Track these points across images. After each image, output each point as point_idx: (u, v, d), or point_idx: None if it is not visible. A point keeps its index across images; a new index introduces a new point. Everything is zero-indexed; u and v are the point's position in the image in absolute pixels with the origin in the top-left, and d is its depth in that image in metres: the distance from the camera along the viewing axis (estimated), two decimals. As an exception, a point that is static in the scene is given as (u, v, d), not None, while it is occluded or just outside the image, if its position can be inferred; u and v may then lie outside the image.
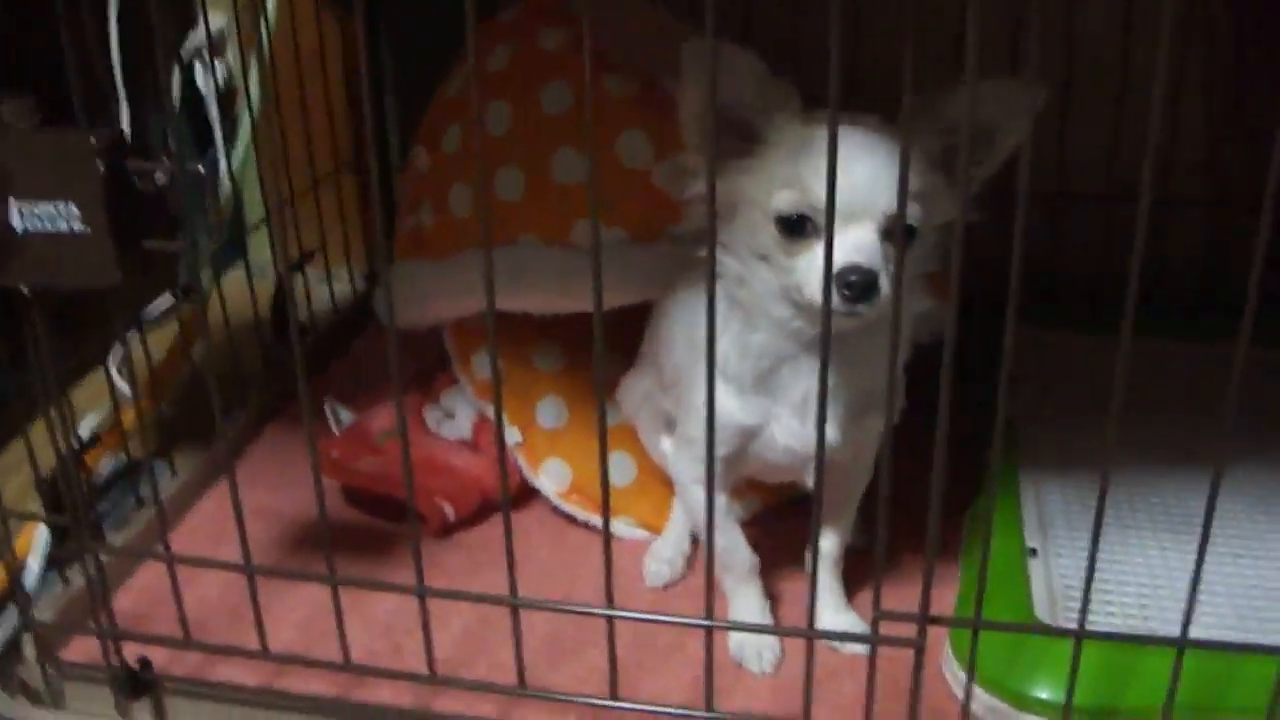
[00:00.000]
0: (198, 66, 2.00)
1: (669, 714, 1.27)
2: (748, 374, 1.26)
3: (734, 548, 1.38)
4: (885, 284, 1.11)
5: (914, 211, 1.12)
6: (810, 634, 1.12)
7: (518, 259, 1.46)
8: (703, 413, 1.16)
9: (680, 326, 1.38)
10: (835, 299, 1.07)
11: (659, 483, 1.62)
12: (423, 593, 1.19)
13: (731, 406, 1.27)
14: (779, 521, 1.59)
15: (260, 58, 1.96)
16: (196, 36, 1.94)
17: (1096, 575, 1.41)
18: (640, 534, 1.61)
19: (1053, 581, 1.42)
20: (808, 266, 1.14)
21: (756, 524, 1.56)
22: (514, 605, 1.17)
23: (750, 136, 1.16)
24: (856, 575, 1.47)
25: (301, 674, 1.34)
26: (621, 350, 1.65)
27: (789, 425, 1.28)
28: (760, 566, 1.41)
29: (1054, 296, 2.01)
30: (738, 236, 1.22)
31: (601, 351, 1.02)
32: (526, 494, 1.65)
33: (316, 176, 2.07)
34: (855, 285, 1.09)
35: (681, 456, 1.38)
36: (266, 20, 1.99)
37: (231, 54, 2.04)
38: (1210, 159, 2.04)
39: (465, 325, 1.65)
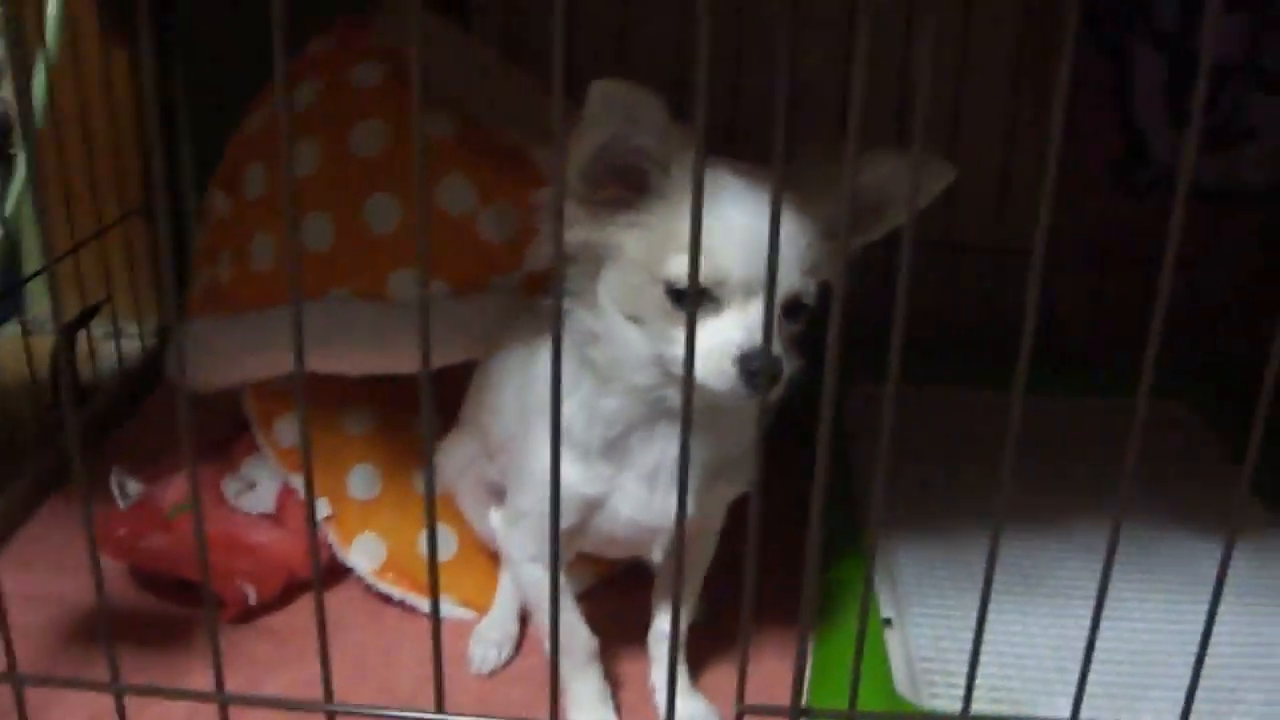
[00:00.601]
0: (-36, 100, 1.81)
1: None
2: (595, 441, 1.16)
3: (572, 629, 1.27)
4: (787, 367, 1.03)
5: (810, 287, 1.06)
6: None
7: (328, 314, 1.34)
8: (537, 483, 1.09)
9: (510, 388, 1.27)
10: (734, 383, 1.01)
11: (482, 557, 1.51)
12: (224, 700, 1.03)
13: (574, 476, 1.16)
14: (612, 594, 1.49)
15: (38, 90, 1.78)
16: (-38, 66, 1.75)
17: (954, 649, 1.36)
18: (463, 613, 1.49)
19: (910, 655, 1.35)
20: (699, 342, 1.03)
21: (588, 598, 1.45)
22: (329, 712, 1.02)
23: (639, 186, 1.06)
24: (699, 655, 1.38)
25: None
26: (440, 411, 1.53)
27: (635, 495, 1.18)
28: (599, 648, 1.30)
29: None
30: (605, 292, 1.11)
31: (431, 414, 0.89)
32: (338, 572, 1.53)
33: (103, 222, 1.90)
34: (761, 374, 0.98)
35: (514, 531, 1.27)
36: (45, 49, 1.81)
37: (5, 87, 1.86)
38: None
39: (267, 387, 1.51)
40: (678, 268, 1.03)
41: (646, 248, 1.06)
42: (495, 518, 1.32)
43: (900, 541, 1.57)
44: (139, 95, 2.01)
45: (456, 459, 1.43)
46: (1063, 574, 1.54)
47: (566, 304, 1.11)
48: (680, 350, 0.99)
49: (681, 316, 1.03)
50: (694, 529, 1.23)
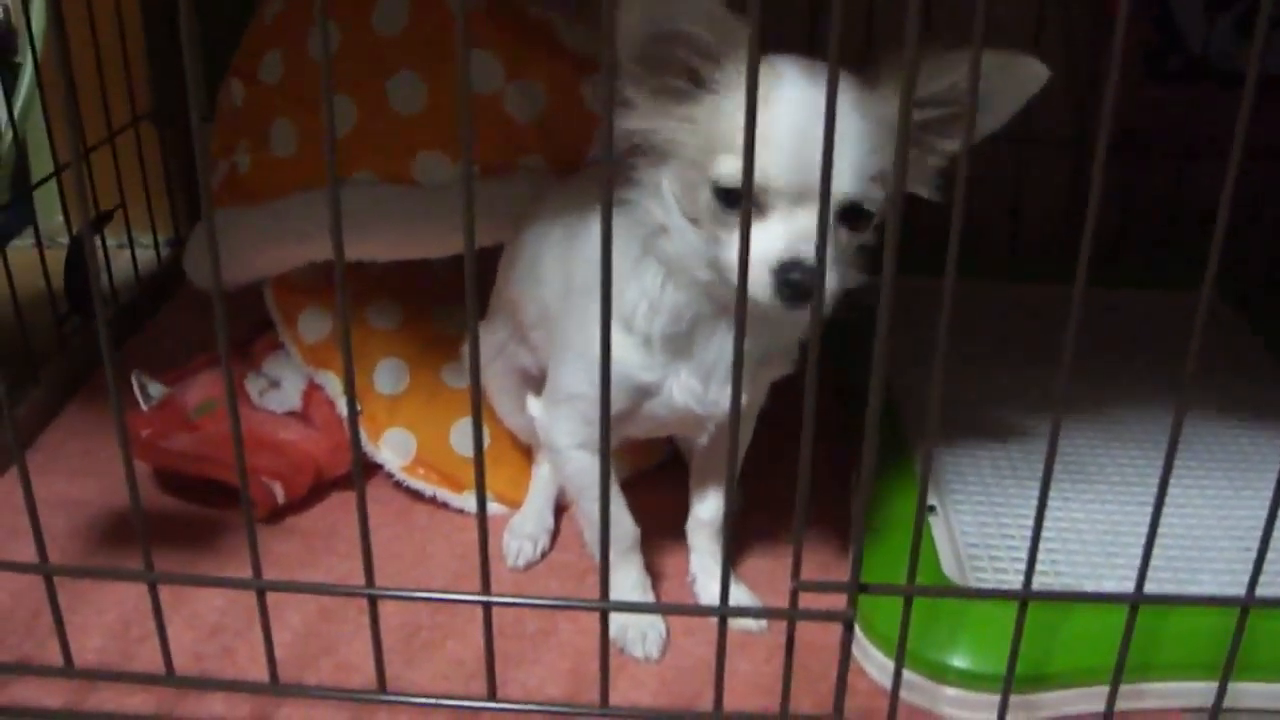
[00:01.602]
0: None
1: (554, 713, 1.11)
2: (656, 331, 1.12)
3: (616, 517, 1.23)
4: (834, 280, 0.98)
5: (874, 194, 0.99)
6: (724, 612, 0.97)
7: (353, 199, 1.27)
8: (586, 363, 1.05)
9: (551, 262, 1.22)
10: (770, 294, 0.97)
11: (514, 450, 1.48)
12: (261, 586, 1.00)
13: (632, 362, 1.12)
14: (648, 488, 1.43)
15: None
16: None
17: (997, 534, 1.34)
18: (497, 508, 1.46)
19: (956, 540, 1.32)
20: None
21: (625, 491, 1.41)
22: (371, 596, 0.99)
23: (697, 79, 1.00)
24: (738, 542, 1.37)
25: (115, 690, 1.14)
26: (461, 303, 1.50)
27: (689, 385, 1.14)
28: (639, 535, 1.27)
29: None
30: (668, 186, 1.06)
31: (474, 296, 0.85)
32: (367, 469, 1.48)
33: (113, 127, 1.85)
34: (796, 286, 0.96)
35: (558, 415, 1.22)
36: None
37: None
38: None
39: (289, 281, 1.48)
40: (724, 168, 0.98)
41: (697, 145, 1.01)
42: (534, 404, 1.27)
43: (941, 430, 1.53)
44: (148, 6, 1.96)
45: (486, 347, 1.37)
46: (1105, 461, 1.50)
47: (633, 194, 1.08)
48: (728, 254, 0.98)
49: (730, 219, 0.99)
50: (744, 411, 1.18)
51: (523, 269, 1.28)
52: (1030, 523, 1.31)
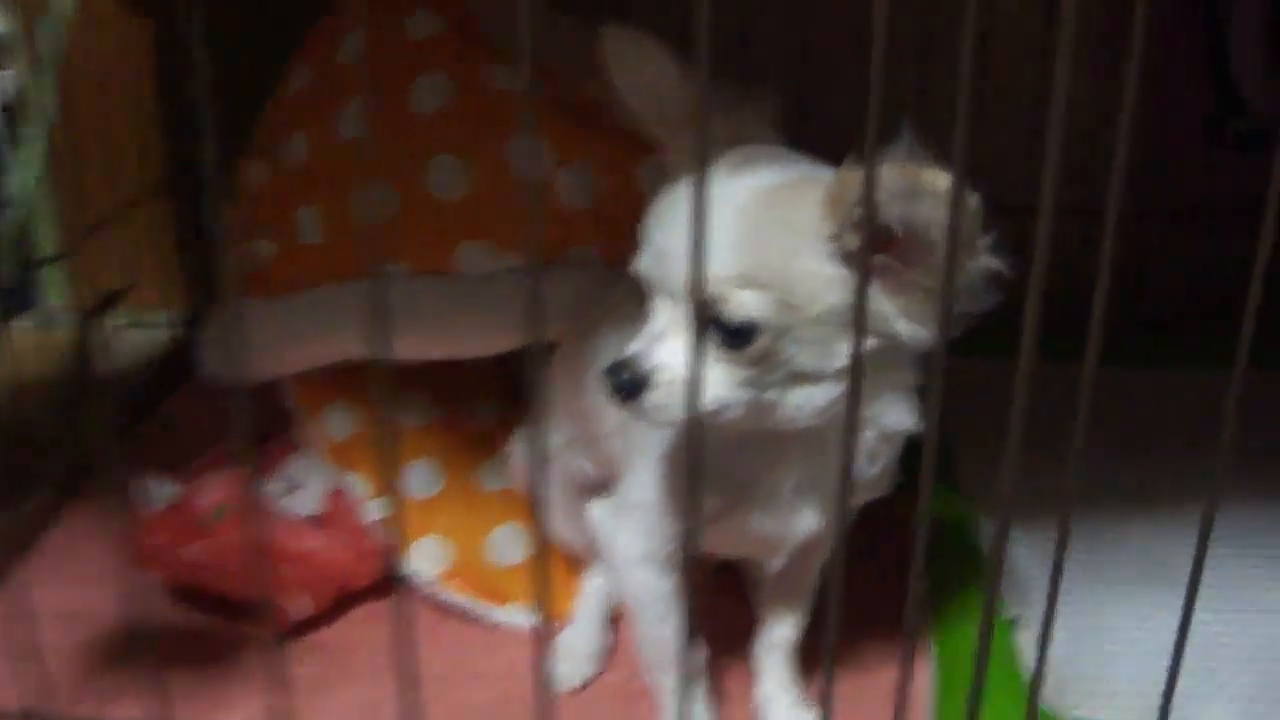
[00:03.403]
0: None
1: None
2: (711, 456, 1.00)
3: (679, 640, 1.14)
4: (667, 384, 0.90)
5: (747, 302, 0.87)
6: None
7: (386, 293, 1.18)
8: (657, 475, 1.00)
9: None
10: (610, 394, 0.92)
11: (559, 560, 1.37)
12: None
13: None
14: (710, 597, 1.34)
15: (50, 61, 1.64)
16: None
17: (1090, 649, 1.24)
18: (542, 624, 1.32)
19: (1051, 661, 1.19)
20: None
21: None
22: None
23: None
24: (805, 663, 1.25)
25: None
26: (502, 399, 1.45)
27: (763, 509, 1.04)
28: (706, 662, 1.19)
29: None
30: None
31: (541, 393, 0.74)
32: (390, 581, 1.39)
33: (124, 202, 1.77)
34: (624, 385, 0.90)
35: (623, 525, 1.13)
36: (58, 19, 1.67)
37: (18, 61, 1.73)
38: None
39: (313, 377, 1.38)
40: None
41: None
42: (597, 507, 1.17)
43: (1014, 527, 1.42)
44: (160, 68, 1.87)
45: None
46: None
47: None
48: None
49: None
50: (820, 537, 1.09)
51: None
52: (1127, 635, 1.25)
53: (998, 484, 0.75)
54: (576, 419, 1.23)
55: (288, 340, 1.31)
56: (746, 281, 0.86)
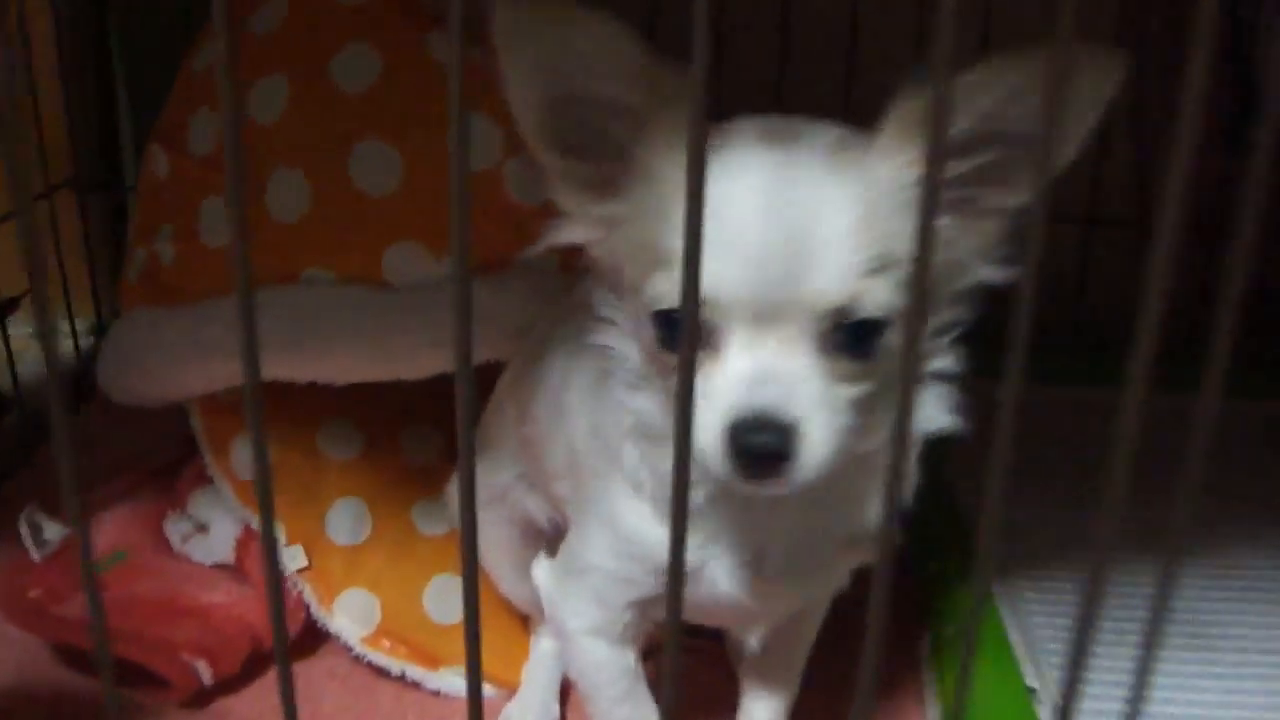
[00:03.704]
0: None
1: None
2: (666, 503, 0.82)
3: None
4: (820, 434, 0.69)
5: (881, 293, 0.70)
6: None
7: (303, 304, 1.07)
8: (613, 530, 0.87)
9: (580, 396, 0.94)
10: (723, 466, 0.69)
11: (507, 617, 1.22)
12: None
13: (657, 538, 0.84)
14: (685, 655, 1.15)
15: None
16: None
17: (1100, 706, 1.08)
18: (487, 691, 1.19)
19: None
20: (702, 403, 0.70)
21: (648, 659, 1.12)
22: None
23: (613, 152, 0.75)
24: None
25: None
26: (440, 427, 1.31)
27: (734, 568, 0.86)
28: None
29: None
30: (624, 322, 0.81)
31: (470, 429, 0.54)
32: (317, 637, 1.24)
33: (25, 196, 1.54)
34: (755, 452, 0.68)
35: (571, 592, 0.96)
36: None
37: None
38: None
39: (220, 401, 1.22)
40: (653, 289, 0.72)
41: (630, 258, 0.76)
42: (542, 569, 0.99)
43: (1027, 584, 1.28)
44: (67, 49, 1.70)
45: (480, 491, 1.09)
46: (1228, 618, 1.25)
47: (601, 333, 0.83)
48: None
49: (672, 361, 0.72)
50: (814, 602, 0.95)
51: (545, 402, 1.00)
52: (1156, 705, 1.10)
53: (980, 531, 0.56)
54: (525, 452, 1.06)
55: (189, 357, 1.14)
56: (875, 267, 0.69)
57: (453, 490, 1.18)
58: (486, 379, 1.12)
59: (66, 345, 1.75)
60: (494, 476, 1.10)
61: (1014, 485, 0.53)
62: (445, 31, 1.09)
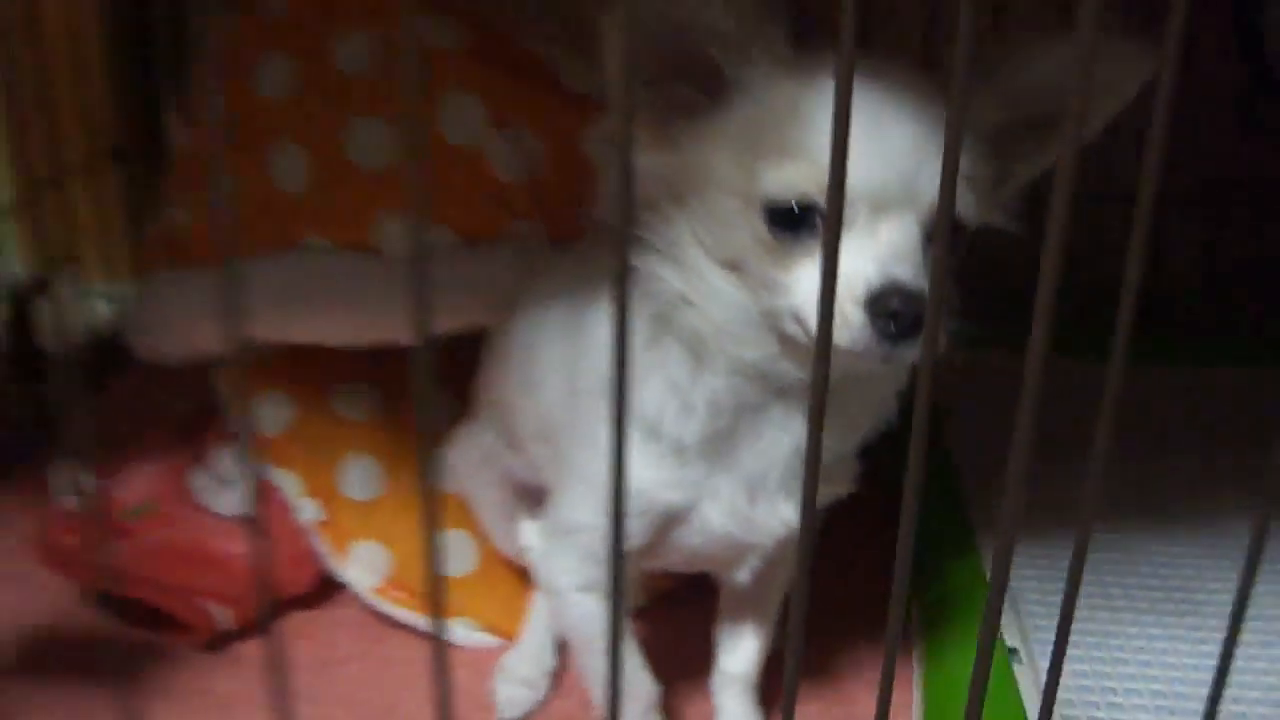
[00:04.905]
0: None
1: None
2: (692, 434, 0.89)
3: (633, 675, 1.03)
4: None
5: (968, 201, 0.80)
6: None
7: (302, 270, 1.13)
8: (596, 487, 0.90)
9: (551, 359, 1.01)
10: (864, 336, 0.76)
11: (508, 571, 1.27)
12: None
13: (658, 479, 0.90)
14: (665, 613, 1.25)
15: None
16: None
17: (1096, 686, 1.14)
18: (486, 640, 1.25)
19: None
20: (814, 283, 0.75)
21: (638, 620, 1.21)
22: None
23: (717, 88, 0.82)
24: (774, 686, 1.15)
25: None
26: (449, 390, 1.30)
27: (731, 502, 0.92)
28: (662, 694, 1.06)
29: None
30: (691, 237, 0.85)
31: (430, 392, 0.60)
32: (330, 586, 1.31)
33: (66, 167, 1.69)
34: (901, 319, 0.74)
35: (558, 551, 1.01)
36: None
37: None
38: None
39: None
40: (776, 181, 0.78)
41: (732, 161, 0.81)
42: (529, 532, 1.05)
43: (1017, 549, 1.29)
44: (112, 26, 1.77)
45: (471, 453, 1.18)
46: (1216, 585, 1.27)
47: (640, 261, 0.86)
48: (794, 298, 0.80)
49: (790, 251, 0.79)
50: (789, 543, 0.97)
51: (515, 368, 1.06)
52: (1135, 668, 1.14)
53: (1005, 503, 0.61)
54: (499, 415, 1.12)
55: (203, 317, 1.19)
56: (967, 178, 0.79)
57: (453, 453, 1.21)
58: (480, 343, 1.17)
59: (104, 309, 1.81)
60: (481, 438, 1.15)
61: (1005, 447, 0.58)
62: (443, 17, 1.16)
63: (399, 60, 1.07)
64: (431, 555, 0.58)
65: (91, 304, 1.80)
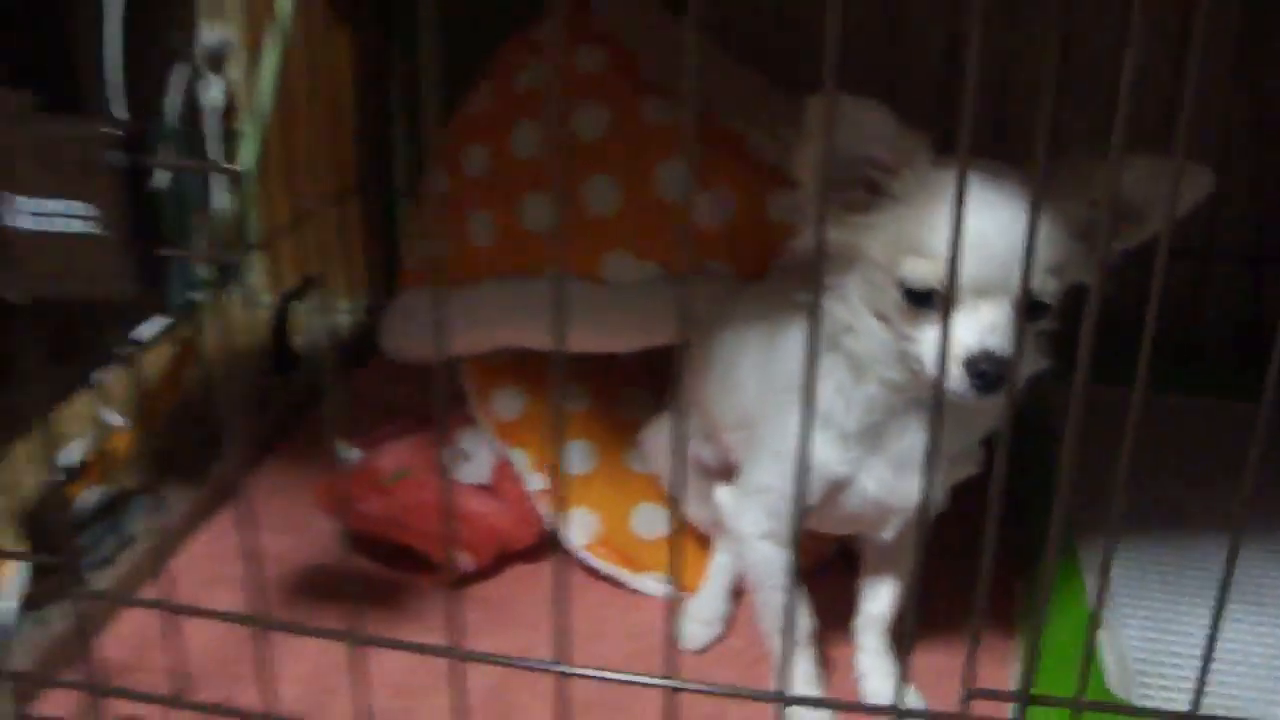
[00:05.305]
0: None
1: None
2: (853, 426, 1.17)
3: (796, 608, 1.26)
4: (1025, 367, 1.06)
5: (1051, 287, 1.04)
6: (898, 712, 0.98)
7: (541, 293, 1.35)
8: (781, 460, 1.11)
9: (747, 366, 1.29)
10: (962, 385, 1.02)
11: (689, 537, 1.51)
12: (460, 655, 1.02)
13: (828, 456, 1.17)
14: (817, 578, 1.44)
15: (268, 72, 1.83)
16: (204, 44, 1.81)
17: (1165, 650, 1.32)
18: (673, 591, 1.47)
19: (1123, 655, 1.30)
20: (933, 342, 1.03)
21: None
22: (563, 673, 1.03)
23: (877, 189, 1.08)
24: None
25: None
26: (650, 390, 1.56)
27: (881, 476, 1.19)
28: (818, 629, 1.31)
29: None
30: (854, 289, 1.13)
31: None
32: (547, 544, 1.55)
33: (321, 199, 1.96)
34: (988, 377, 1.01)
35: (748, 506, 1.27)
36: (283, 30, 1.85)
37: (237, 66, 1.92)
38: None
39: (484, 361, 1.55)
40: (910, 269, 1.05)
41: (883, 249, 1.08)
42: (723, 492, 1.31)
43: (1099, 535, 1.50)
44: (360, 79, 2.05)
45: (667, 439, 1.43)
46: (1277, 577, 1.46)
47: (820, 298, 1.12)
48: (918, 348, 1.06)
49: (918, 316, 1.06)
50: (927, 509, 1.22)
51: (717, 376, 1.33)
52: (1200, 643, 1.33)
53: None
54: (699, 411, 1.38)
55: (458, 328, 1.42)
56: (1052, 269, 1.03)
57: (649, 440, 1.48)
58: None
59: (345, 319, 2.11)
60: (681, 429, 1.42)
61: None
62: (658, 97, 1.41)
63: (627, 129, 1.35)
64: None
65: (335, 315, 2.09)
